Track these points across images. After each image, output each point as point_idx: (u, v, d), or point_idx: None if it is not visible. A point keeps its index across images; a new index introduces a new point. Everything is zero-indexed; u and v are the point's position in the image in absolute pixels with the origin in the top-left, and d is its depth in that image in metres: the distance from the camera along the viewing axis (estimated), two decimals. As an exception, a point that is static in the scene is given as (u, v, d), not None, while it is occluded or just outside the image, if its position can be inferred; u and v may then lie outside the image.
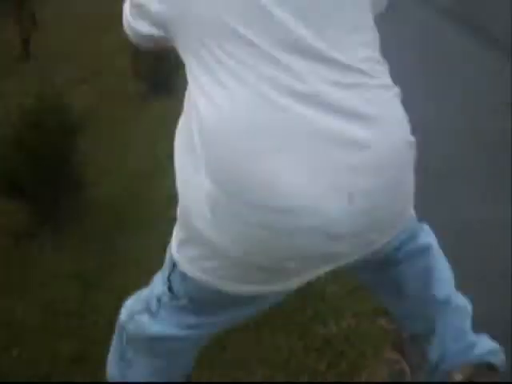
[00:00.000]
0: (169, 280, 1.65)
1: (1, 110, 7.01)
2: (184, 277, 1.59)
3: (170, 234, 1.76)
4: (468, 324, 1.76)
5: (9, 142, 4.23)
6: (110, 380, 1.89)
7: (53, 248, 4.32)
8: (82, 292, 3.77)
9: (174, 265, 1.63)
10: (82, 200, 4.65)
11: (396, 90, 1.59)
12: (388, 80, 1.58)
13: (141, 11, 1.59)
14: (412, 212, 1.69)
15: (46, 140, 4.13)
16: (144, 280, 1.94)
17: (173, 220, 1.77)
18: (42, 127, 4.18)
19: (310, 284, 3.43)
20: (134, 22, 1.64)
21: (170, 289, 1.65)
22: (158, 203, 4.87)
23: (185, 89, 1.70)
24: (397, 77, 1.65)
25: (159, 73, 8.10)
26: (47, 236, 4.42)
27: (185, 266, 1.58)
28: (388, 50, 1.70)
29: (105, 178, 5.36)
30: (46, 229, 4.45)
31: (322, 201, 1.36)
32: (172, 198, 1.85)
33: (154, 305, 1.69)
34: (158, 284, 1.73)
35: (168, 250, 1.71)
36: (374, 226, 1.45)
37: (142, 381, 1.76)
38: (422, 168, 1.75)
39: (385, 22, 1.91)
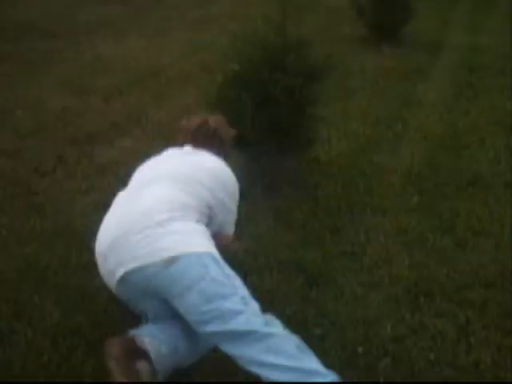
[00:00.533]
0: None
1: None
2: None
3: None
4: None
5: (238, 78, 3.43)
6: None
7: (261, 212, 3.55)
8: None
9: None
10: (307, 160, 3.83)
11: None
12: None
13: None
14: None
15: (284, 83, 3.27)
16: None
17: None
18: (280, 67, 3.33)
19: None
20: None
21: None
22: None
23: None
24: None
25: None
26: (257, 197, 3.65)
27: None
28: None
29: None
30: (257, 189, 3.67)
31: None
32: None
33: None
34: None
35: None
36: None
37: None
38: None
39: None
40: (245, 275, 3.03)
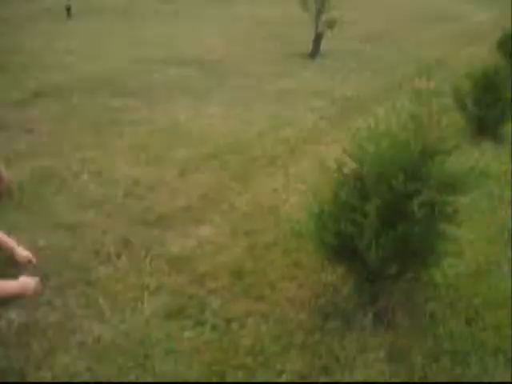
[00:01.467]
0: None
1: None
2: None
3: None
4: None
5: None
6: None
7: (371, 349, 2.84)
8: None
9: None
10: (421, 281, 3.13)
11: None
12: None
13: None
14: None
15: (425, 196, 2.61)
16: None
17: None
18: (419, 176, 2.67)
19: None
20: None
21: None
22: None
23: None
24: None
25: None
26: (365, 327, 2.95)
27: None
28: None
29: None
30: (366, 317, 2.97)
31: None
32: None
33: None
34: None
35: None
36: None
37: None
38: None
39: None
40: None
